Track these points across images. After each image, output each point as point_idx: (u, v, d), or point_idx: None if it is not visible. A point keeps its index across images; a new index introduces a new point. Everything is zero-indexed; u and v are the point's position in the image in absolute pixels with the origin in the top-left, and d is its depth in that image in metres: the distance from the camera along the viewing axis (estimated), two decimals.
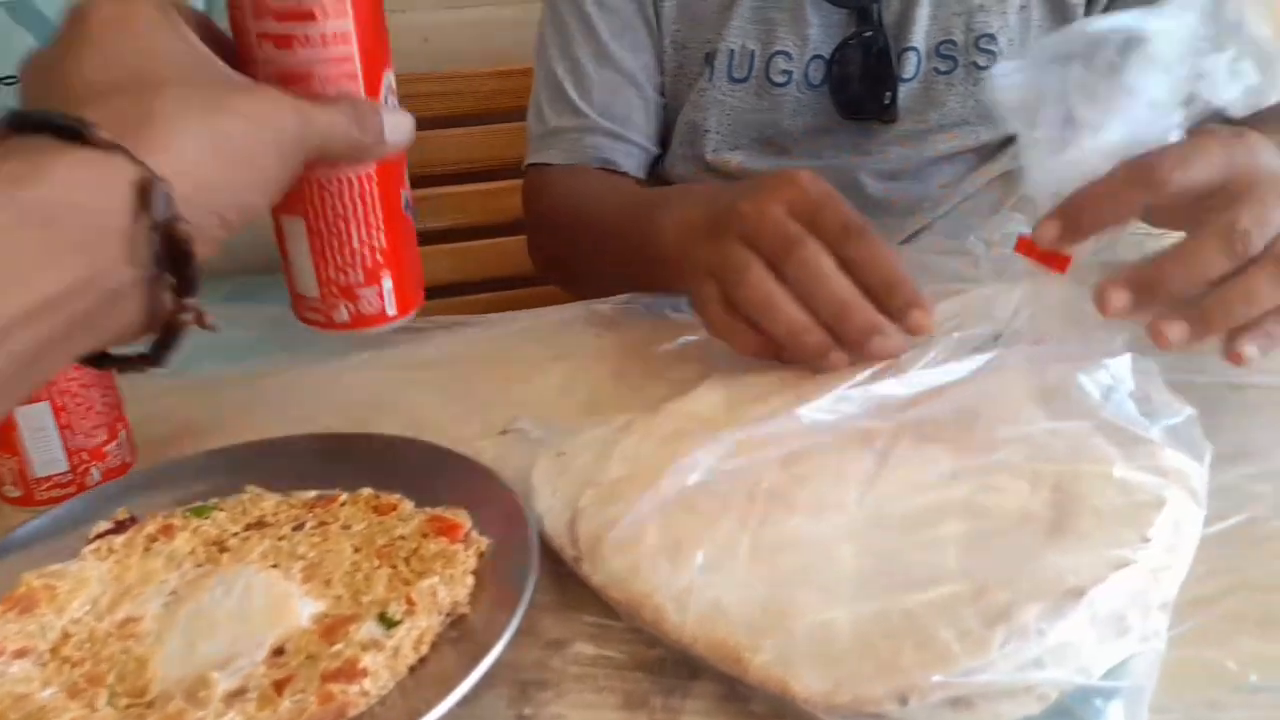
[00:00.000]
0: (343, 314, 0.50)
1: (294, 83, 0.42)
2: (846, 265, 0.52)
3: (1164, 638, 0.37)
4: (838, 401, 0.49)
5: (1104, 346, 0.49)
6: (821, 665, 0.36)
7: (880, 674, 0.35)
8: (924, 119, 0.88)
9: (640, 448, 0.50)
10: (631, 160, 0.93)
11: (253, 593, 0.42)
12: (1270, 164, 0.51)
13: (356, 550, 0.46)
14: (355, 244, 0.48)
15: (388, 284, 0.50)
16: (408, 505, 0.49)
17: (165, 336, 0.36)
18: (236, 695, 0.37)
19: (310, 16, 0.41)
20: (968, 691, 0.35)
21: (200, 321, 0.37)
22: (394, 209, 0.49)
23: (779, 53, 0.89)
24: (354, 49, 0.44)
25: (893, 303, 0.51)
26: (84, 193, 0.32)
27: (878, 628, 0.37)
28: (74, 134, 0.32)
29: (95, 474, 0.54)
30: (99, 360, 0.38)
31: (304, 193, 0.46)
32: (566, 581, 0.45)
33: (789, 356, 0.54)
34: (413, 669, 0.40)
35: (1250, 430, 0.53)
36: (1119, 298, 0.49)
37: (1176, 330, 0.49)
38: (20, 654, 0.40)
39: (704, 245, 0.57)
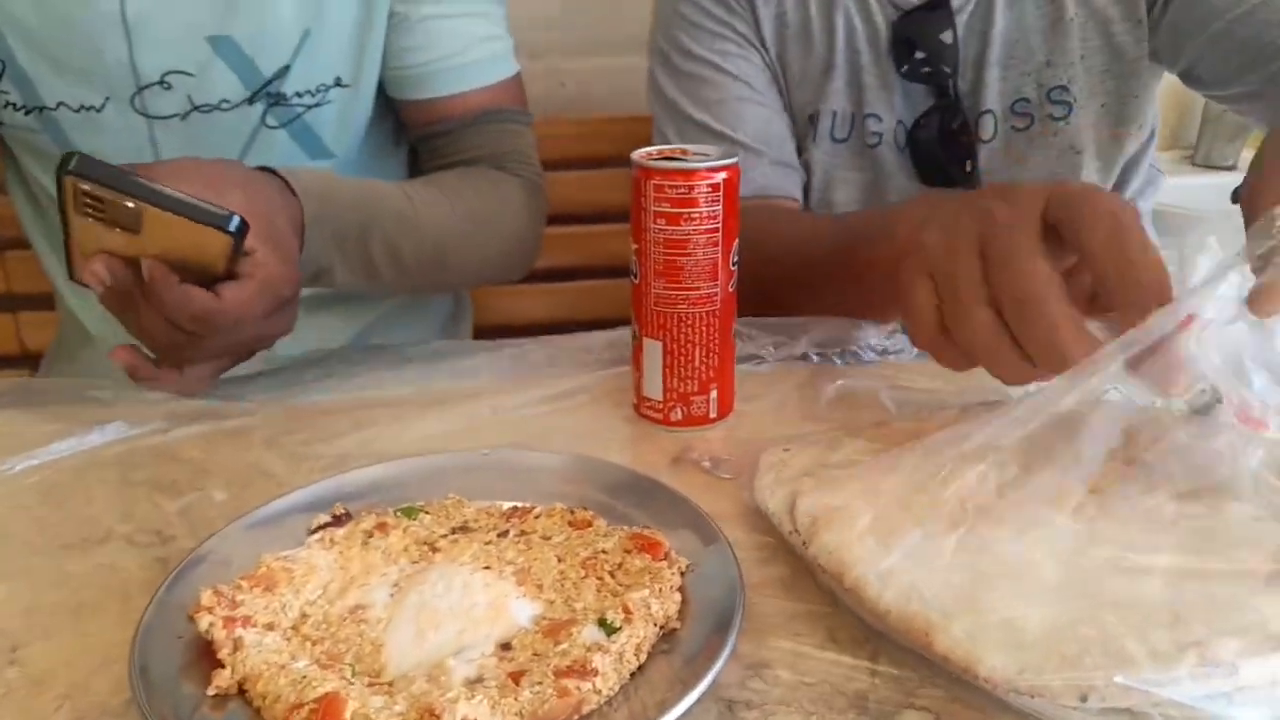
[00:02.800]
0: (677, 414, 0.65)
1: (674, 246, 0.60)
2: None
3: None
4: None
5: None
6: (1007, 651, 0.38)
7: (1063, 669, 0.37)
8: (1009, 177, 0.90)
9: (860, 456, 0.54)
10: (799, 189, 0.94)
11: (473, 590, 0.44)
12: None
13: (560, 560, 0.48)
14: (697, 362, 0.64)
15: (714, 394, 0.65)
16: (601, 522, 0.51)
17: None
18: (475, 682, 0.39)
19: (694, 204, 0.59)
20: (1147, 704, 0.36)
21: None
22: (726, 336, 0.64)
23: (870, 115, 0.92)
24: (719, 225, 0.60)
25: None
26: None
27: (1068, 631, 0.38)
28: None
29: None
30: None
31: (665, 322, 0.62)
32: (760, 607, 0.47)
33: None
34: (632, 675, 0.41)
35: None
36: None
37: None
38: (269, 628, 0.42)
39: (935, 232, 0.51)
